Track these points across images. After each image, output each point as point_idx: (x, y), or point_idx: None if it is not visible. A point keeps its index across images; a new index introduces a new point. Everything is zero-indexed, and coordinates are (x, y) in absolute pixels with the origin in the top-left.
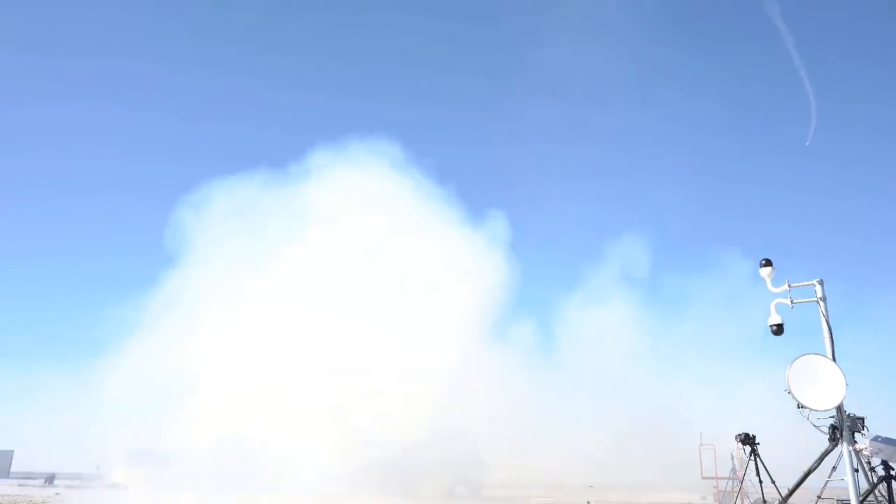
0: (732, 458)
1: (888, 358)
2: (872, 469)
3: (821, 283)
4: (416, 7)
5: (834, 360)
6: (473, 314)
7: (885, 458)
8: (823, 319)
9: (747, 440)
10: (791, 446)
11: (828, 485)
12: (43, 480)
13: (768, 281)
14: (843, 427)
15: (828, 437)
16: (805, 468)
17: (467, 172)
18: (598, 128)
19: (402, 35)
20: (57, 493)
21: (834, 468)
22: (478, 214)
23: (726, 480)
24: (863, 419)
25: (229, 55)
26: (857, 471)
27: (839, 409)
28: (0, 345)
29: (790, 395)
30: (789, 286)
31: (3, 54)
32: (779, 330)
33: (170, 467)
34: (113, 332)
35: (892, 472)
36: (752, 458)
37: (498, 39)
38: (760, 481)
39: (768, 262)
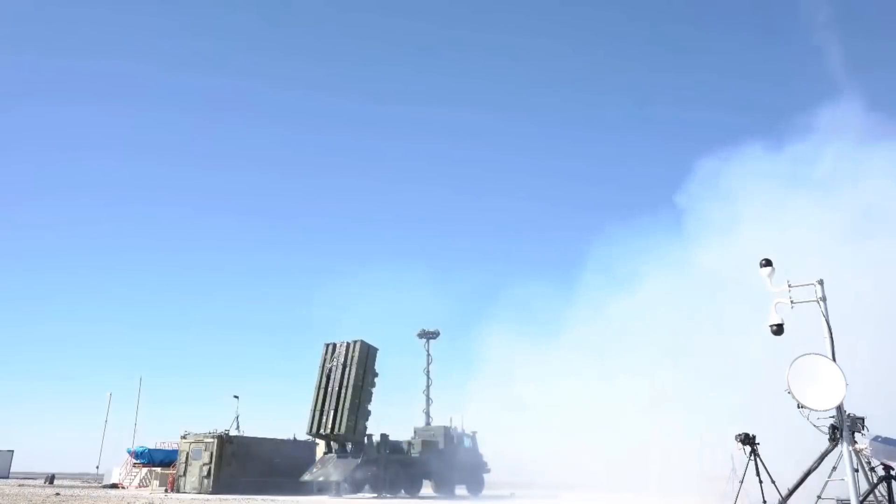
0: (732, 458)
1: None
2: (872, 469)
3: (821, 283)
4: None
5: (834, 360)
6: None
7: (885, 458)
8: (823, 319)
9: (747, 440)
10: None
11: (828, 485)
12: (43, 480)
13: (768, 281)
14: (843, 427)
15: (828, 437)
16: (805, 468)
17: None
18: None
19: None
20: (57, 494)
21: (834, 468)
22: None
23: (726, 480)
24: (863, 419)
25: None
26: (857, 471)
27: (839, 409)
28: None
29: (790, 395)
30: (789, 286)
31: (3, 54)
32: (779, 330)
33: None
34: None
35: (892, 472)
36: (752, 458)
37: None
38: (760, 481)
39: (768, 262)
